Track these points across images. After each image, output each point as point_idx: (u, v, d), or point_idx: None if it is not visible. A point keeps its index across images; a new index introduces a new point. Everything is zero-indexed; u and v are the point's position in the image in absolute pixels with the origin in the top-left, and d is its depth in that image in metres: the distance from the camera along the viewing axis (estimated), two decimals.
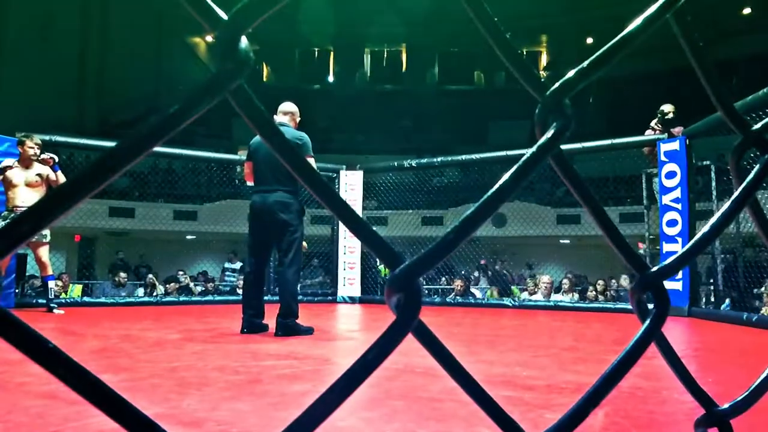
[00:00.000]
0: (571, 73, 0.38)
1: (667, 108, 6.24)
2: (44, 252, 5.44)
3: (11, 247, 0.24)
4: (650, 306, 0.44)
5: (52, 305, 5.46)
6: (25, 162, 5.37)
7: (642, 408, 1.75)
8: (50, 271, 5.55)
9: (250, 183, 5.11)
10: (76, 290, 9.79)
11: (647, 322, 0.42)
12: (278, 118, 4.11)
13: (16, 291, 6.21)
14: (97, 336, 3.56)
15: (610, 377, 0.40)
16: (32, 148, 5.40)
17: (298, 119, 4.17)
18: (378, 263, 8.04)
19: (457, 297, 7.98)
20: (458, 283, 8.49)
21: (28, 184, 5.34)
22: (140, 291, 10.61)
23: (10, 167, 5.35)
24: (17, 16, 15.57)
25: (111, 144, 5.57)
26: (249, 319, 3.82)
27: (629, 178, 8.58)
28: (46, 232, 5.40)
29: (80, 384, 0.29)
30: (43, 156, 5.43)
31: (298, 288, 4.03)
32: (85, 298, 7.25)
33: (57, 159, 5.55)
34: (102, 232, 13.86)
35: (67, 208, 0.25)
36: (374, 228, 0.35)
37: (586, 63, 0.38)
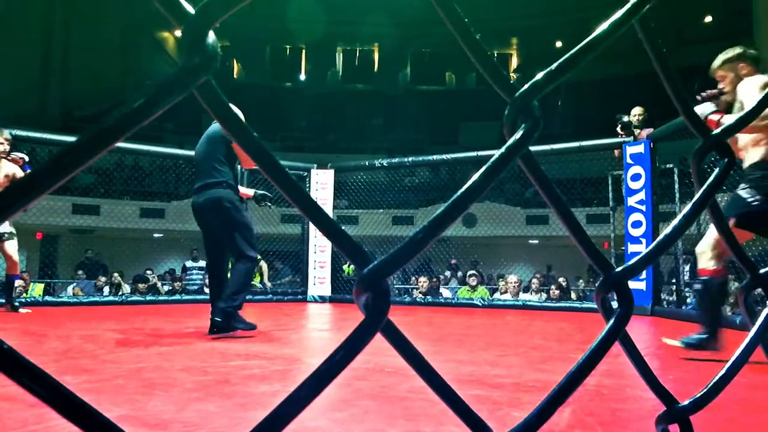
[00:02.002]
0: (539, 76, 0.38)
1: (635, 111, 6.37)
2: (12, 248, 5.21)
3: None
4: (615, 305, 0.45)
5: (16, 303, 5.28)
6: None
7: (606, 405, 1.79)
8: (18, 270, 5.35)
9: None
10: (37, 289, 9.52)
11: (611, 321, 0.43)
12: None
13: None
14: (60, 337, 3.47)
15: (576, 375, 0.41)
16: (1, 144, 5.03)
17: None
18: (344, 263, 8.02)
19: (427, 297, 8.02)
20: (423, 281, 8.53)
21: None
22: (105, 290, 10.37)
23: None
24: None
25: (74, 139, 5.49)
26: (212, 320, 3.64)
27: (596, 180, 8.77)
28: (11, 228, 5.20)
29: (38, 387, 0.28)
30: (13, 154, 5.12)
31: (251, 280, 3.88)
32: (47, 298, 7.04)
33: (28, 159, 5.24)
34: (65, 230, 13.49)
35: (24, 204, 0.24)
36: (345, 227, 0.35)
37: (554, 65, 0.39)
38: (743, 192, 2.79)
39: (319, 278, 7.55)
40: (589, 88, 17.43)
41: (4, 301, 5.28)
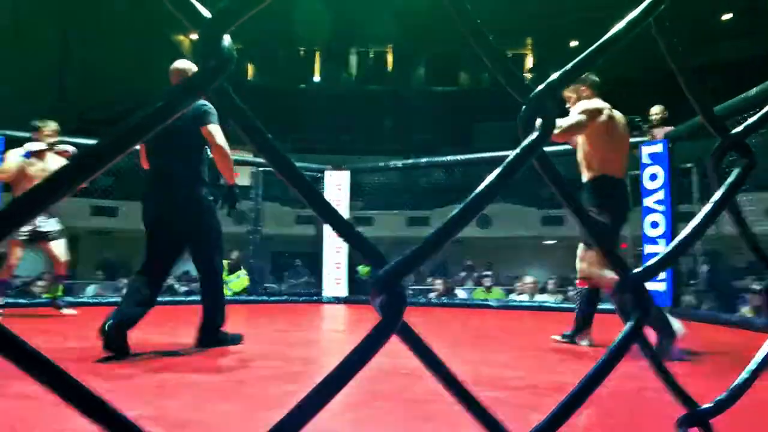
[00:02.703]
0: (554, 76, 0.38)
1: (654, 110, 6.29)
2: (59, 248, 4.98)
3: None
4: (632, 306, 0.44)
5: (61, 303, 5.24)
6: (40, 153, 4.68)
7: (624, 408, 1.77)
8: (64, 270, 5.16)
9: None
10: (58, 290, 9.63)
11: (630, 323, 0.43)
12: (174, 81, 3.16)
13: None
14: (79, 337, 3.51)
15: (594, 378, 0.40)
16: (51, 136, 4.72)
17: None
18: (360, 264, 8.03)
19: (442, 298, 8.01)
20: (438, 283, 8.52)
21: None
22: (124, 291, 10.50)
23: (41, 153, 4.65)
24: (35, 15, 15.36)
25: (91, 142, 5.49)
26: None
27: None
28: (59, 226, 5.01)
29: (60, 387, 0.28)
30: (59, 147, 4.77)
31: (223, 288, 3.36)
32: (67, 298, 7.14)
33: (75, 150, 4.92)
34: (84, 232, 13.68)
35: (45, 206, 0.25)
36: (360, 229, 0.35)
37: (569, 65, 0.38)
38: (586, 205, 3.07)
39: (335, 279, 7.56)
40: (604, 88, 17.28)
41: (52, 300, 5.29)
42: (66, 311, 5.18)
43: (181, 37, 21.07)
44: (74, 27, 17.43)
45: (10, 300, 5.85)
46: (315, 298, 7.61)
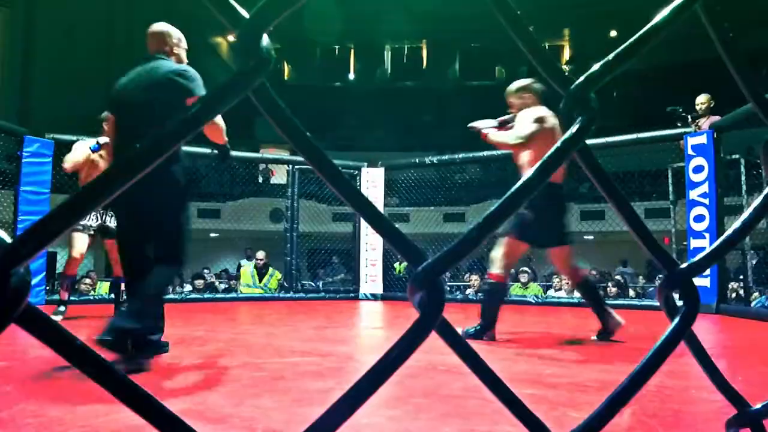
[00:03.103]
0: (596, 67, 0.37)
1: (700, 99, 6.08)
2: None
3: (39, 248, 0.25)
4: (678, 303, 0.43)
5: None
6: (107, 146, 4.30)
7: (669, 407, 1.72)
8: None
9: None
10: (103, 288, 9.98)
11: (676, 320, 0.41)
12: (151, 47, 2.77)
13: (47, 288, 6.33)
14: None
15: (639, 376, 0.39)
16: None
17: (182, 46, 2.87)
18: (395, 261, 8.03)
19: (479, 293, 7.94)
20: (475, 279, 8.46)
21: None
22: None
23: (108, 146, 4.24)
24: (44, 19, 15.88)
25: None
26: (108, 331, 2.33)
27: (654, 173, 8.44)
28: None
29: (107, 381, 0.29)
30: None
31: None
32: (112, 296, 7.38)
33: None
34: None
35: (95, 206, 0.26)
36: (396, 225, 0.35)
37: (611, 56, 0.37)
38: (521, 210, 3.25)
39: (371, 276, 7.59)
40: (647, 77, 16.79)
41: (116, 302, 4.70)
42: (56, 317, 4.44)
43: (219, 39, 21.45)
44: (118, 31, 17.91)
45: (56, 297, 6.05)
46: (351, 294, 7.66)
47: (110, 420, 1.47)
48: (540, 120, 3.31)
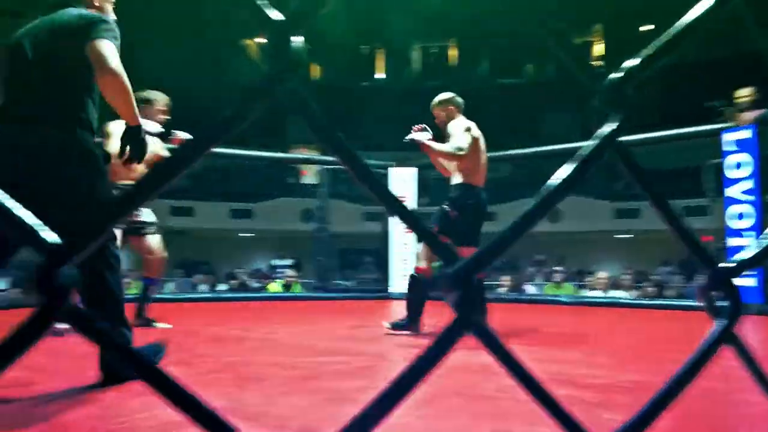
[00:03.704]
0: (632, 62, 0.36)
1: (742, 93, 5.87)
2: (155, 242, 4.00)
3: (84, 247, 0.26)
4: (721, 303, 0.42)
5: (149, 319, 3.89)
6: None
7: (713, 410, 1.67)
8: (155, 272, 3.96)
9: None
10: (140, 287, 10.20)
11: (720, 320, 0.40)
12: None
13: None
14: (161, 331, 3.70)
15: (682, 378, 0.38)
16: (165, 112, 3.74)
17: None
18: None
19: (510, 293, 7.88)
20: (506, 279, 8.38)
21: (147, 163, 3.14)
22: (202, 287, 10.99)
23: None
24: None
25: (171, 146, 5.70)
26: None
27: (692, 170, 8.23)
28: (154, 218, 4.10)
29: (148, 376, 0.30)
30: (178, 134, 3.69)
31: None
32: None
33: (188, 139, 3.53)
34: (165, 231, 14.38)
35: (137, 207, 0.26)
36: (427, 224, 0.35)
37: (648, 50, 0.36)
38: (444, 205, 3.64)
39: (402, 275, 7.59)
40: (681, 72, 16.35)
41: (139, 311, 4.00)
42: (160, 325, 3.90)
43: (249, 41, 21.73)
44: (140, 33, 18.23)
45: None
46: (382, 294, 7.67)
47: (150, 416, 1.50)
48: (469, 130, 3.67)
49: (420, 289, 3.65)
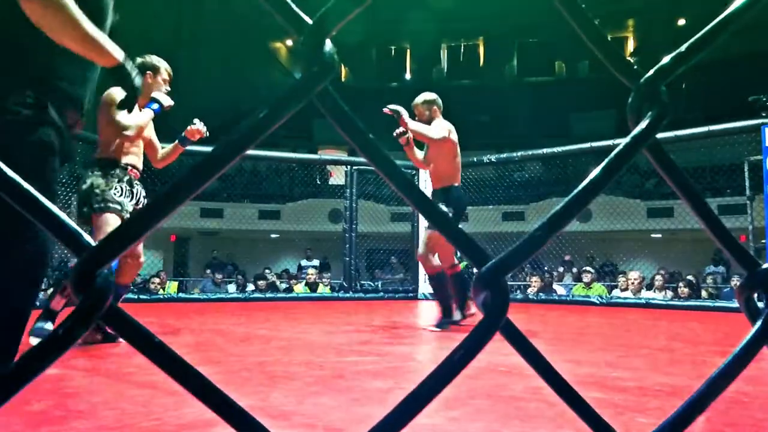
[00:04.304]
0: (667, 58, 0.35)
1: None
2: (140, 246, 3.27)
3: (121, 249, 0.26)
4: (761, 305, 0.41)
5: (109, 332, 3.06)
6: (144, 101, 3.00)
7: (748, 415, 1.63)
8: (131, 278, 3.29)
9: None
10: (172, 287, 10.41)
11: (759, 323, 0.39)
12: None
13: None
14: (192, 330, 3.77)
15: (718, 381, 0.37)
16: (167, 81, 3.24)
17: None
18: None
19: (540, 294, 7.79)
20: (535, 280, 8.28)
21: (144, 141, 3.24)
22: (231, 287, 11.13)
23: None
24: (118, 24, 16.71)
25: (205, 149, 5.79)
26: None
27: (728, 167, 8.00)
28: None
29: (183, 376, 0.30)
30: (195, 126, 3.34)
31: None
32: (181, 294, 7.70)
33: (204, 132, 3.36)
34: (195, 232, 14.64)
35: (173, 209, 0.27)
36: None
37: (684, 46, 0.36)
38: (444, 207, 3.76)
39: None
40: (718, 67, 15.94)
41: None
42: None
43: (278, 44, 21.96)
44: (185, 43, 18.58)
45: (132, 296, 6.35)
46: (410, 294, 7.66)
47: (181, 414, 1.53)
48: (450, 132, 3.94)
49: (444, 285, 3.91)
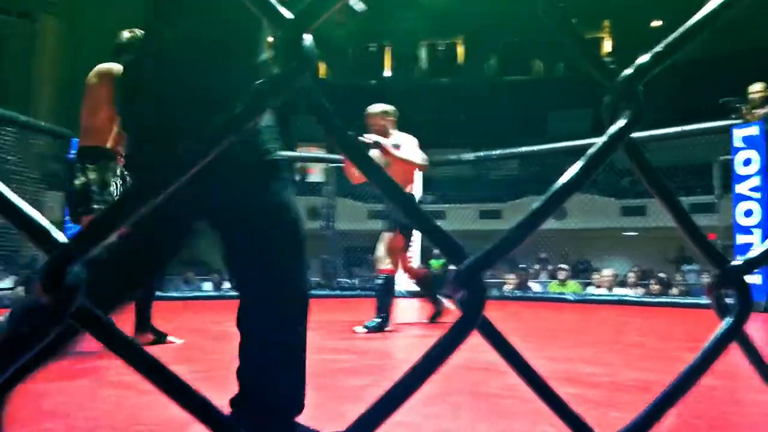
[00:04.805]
0: (644, 58, 0.36)
1: (754, 88, 5.79)
2: None
3: (93, 245, 0.26)
4: (729, 301, 0.41)
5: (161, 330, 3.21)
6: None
7: (716, 408, 1.67)
8: None
9: None
10: None
11: (728, 319, 0.40)
12: None
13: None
14: (170, 330, 3.72)
15: (688, 376, 0.38)
16: None
17: None
18: (431, 258, 8.01)
19: (515, 290, 7.86)
20: (511, 278, 8.37)
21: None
22: (207, 285, 10.99)
23: None
24: (90, 25, 16.41)
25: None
26: None
27: (699, 167, 8.18)
28: None
29: (155, 375, 0.30)
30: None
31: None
32: (157, 293, 7.57)
33: None
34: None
35: (146, 205, 0.26)
36: None
37: (661, 46, 0.36)
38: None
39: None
40: (690, 68, 16.27)
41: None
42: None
43: None
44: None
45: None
46: None
47: (155, 414, 1.51)
48: (418, 146, 3.98)
49: (391, 290, 3.88)
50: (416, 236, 7.44)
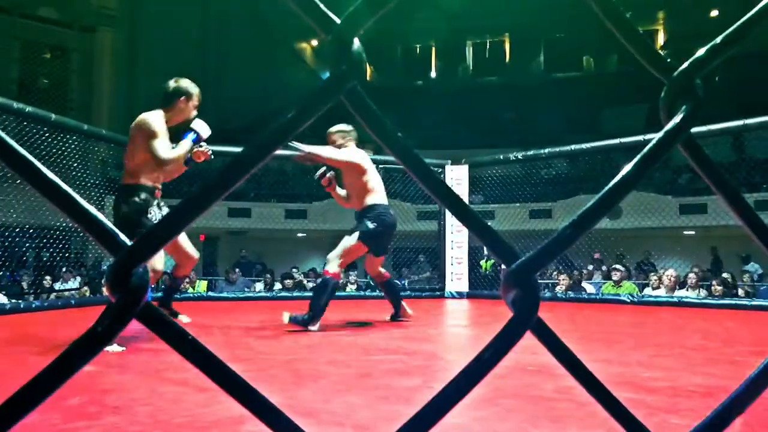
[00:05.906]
0: (701, 51, 0.35)
1: None
2: (187, 242, 3.62)
3: (156, 249, 0.27)
4: None
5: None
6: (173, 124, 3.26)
7: None
8: (189, 270, 3.91)
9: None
10: (202, 286, 10.57)
11: None
12: None
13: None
14: (221, 328, 3.82)
15: (756, 382, 0.36)
16: (197, 105, 3.34)
17: None
18: (481, 258, 7.92)
19: (569, 292, 7.68)
20: (563, 278, 8.17)
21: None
22: (259, 286, 11.24)
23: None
24: (146, 38, 17.09)
25: (234, 149, 5.84)
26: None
27: (764, 161, 7.76)
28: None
29: (214, 372, 0.31)
30: (200, 149, 3.32)
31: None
32: (210, 293, 7.80)
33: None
34: (223, 232, 14.84)
35: (205, 208, 0.27)
36: None
37: (719, 38, 0.35)
38: (368, 222, 3.92)
39: (457, 274, 7.53)
40: (754, 59, 15.48)
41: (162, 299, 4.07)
42: (183, 318, 4.09)
43: (304, 45, 22.10)
44: (210, 45, 18.83)
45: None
46: (437, 293, 7.63)
47: (212, 411, 1.55)
48: (363, 157, 4.05)
49: (330, 292, 3.79)
50: (464, 236, 7.39)
